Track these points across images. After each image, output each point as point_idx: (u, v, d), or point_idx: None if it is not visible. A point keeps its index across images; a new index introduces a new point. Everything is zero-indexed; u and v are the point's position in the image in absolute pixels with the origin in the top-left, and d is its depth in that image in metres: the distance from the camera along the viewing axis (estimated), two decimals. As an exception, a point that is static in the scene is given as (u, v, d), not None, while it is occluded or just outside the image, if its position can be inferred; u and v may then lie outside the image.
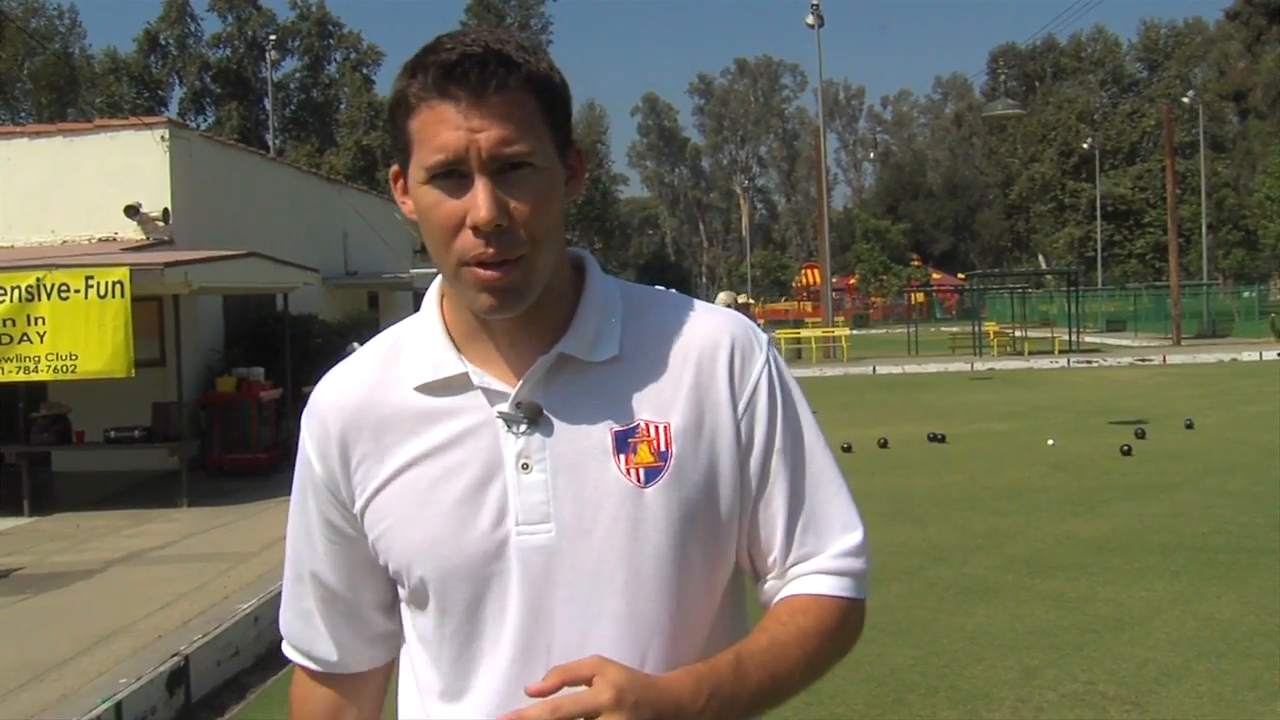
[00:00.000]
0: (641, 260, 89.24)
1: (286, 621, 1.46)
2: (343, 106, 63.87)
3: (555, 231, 1.26)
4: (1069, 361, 26.48)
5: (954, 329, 39.11)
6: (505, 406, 1.28)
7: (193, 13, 61.89)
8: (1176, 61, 74.40)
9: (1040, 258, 69.74)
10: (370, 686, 1.46)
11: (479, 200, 1.19)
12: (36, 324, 9.45)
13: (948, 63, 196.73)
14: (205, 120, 60.20)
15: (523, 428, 1.28)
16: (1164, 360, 25.85)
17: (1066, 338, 30.96)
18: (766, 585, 1.37)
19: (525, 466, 1.27)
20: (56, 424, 10.90)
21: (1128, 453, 11.63)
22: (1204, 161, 54.30)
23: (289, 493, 1.43)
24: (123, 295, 9.45)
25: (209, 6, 61.68)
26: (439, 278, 1.35)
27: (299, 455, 1.40)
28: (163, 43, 61.65)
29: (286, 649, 1.48)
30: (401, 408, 1.32)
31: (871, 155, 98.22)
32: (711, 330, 1.34)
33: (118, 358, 9.48)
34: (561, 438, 1.28)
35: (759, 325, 1.53)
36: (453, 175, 1.21)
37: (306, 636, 1.43)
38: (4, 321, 9.44)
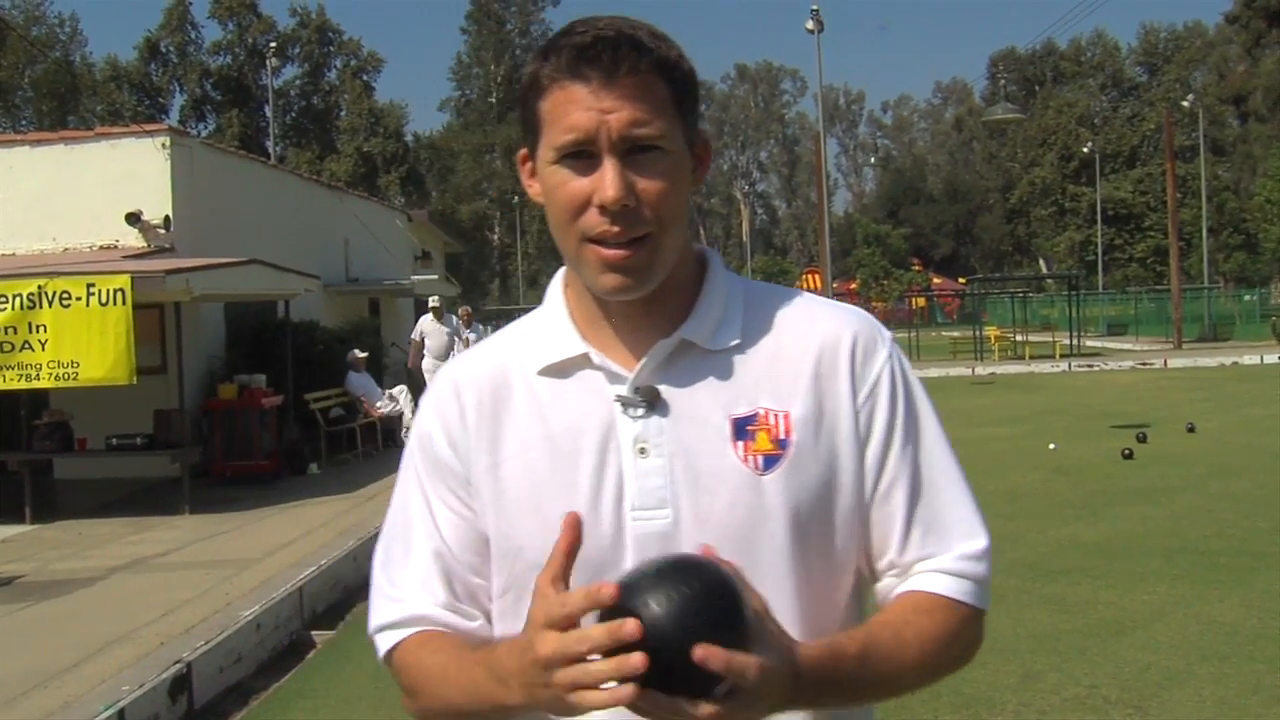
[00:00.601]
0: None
1: (393, 598, 1.32)
2: (343, 113, 63.99)
3: (681, 217, 1.26)
4: (1070, 365, 26.49)
5: (955, 333, 39.14)
6: (624, 390, 1.27)
7: (193, 20, 62.03)
8: (1176, 65, 74.42)
9: (1041, 262, 69.75)
10: None
11: (607, 179, 1.19)
12: (38, 331, 9.47)
13: (947, 67, 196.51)
14: (206, 127, 60.26)
15: (640, 411, 1.26)
16: (1165, 364, 25.83)
17: (1067, 342, 30.98)
18: (882, 583, 1.33)
19: (642, 451, 1.25)
20: (58, 431, 10.91)
21: (1129, 457, 11.62)
22: (1204, 165, 54.36)
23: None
24: (124, 302, 9.47)
25: (209, 14, 61.83)
26: (564, 268, 1.35)
27: (418, 437, 1.36)
28: (163, 50, 61.69)
29: (388, 635, 1.32)
30: (523, 388, 1.32)
31: (872, 160, 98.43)
32: (834, 323, 1.33)
33: (119, 365, 9.49)
34: (679, 423, 1.26)
35: None
36: (582, 155, 1.21)
37: (428, 604, 1.30)
38: (6, 329, 9.47)
